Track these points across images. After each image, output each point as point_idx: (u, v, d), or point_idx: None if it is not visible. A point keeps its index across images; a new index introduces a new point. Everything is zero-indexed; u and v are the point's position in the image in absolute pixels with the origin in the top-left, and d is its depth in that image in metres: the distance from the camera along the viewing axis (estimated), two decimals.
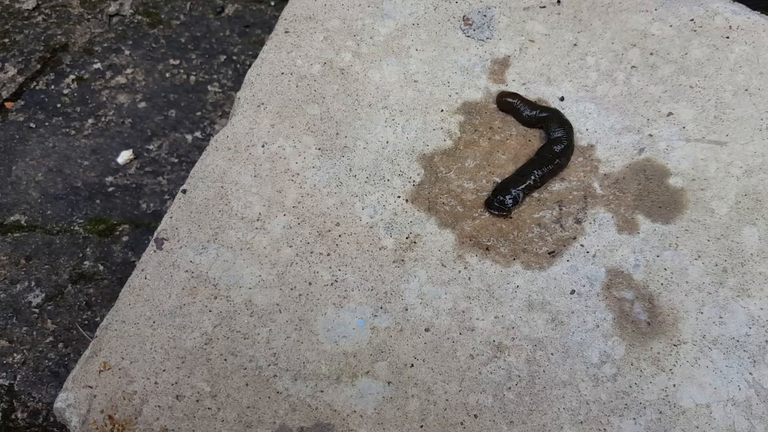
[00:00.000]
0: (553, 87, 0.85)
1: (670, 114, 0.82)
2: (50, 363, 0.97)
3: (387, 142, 0.82)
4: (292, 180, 0.79)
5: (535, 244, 0.76)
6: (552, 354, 0.69)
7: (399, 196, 0.79)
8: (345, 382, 0.68)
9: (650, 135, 0.81)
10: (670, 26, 0.87)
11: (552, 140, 0.80)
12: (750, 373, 0.68)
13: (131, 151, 1.17)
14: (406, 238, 0.76)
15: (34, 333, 0.99)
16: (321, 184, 0.79)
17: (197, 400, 0.67)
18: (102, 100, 1.23)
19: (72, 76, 1.26)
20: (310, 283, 0.73)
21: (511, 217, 0.77)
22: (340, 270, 0.74)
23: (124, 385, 0.68)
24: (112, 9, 1.36)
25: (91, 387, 0.68)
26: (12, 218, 1.10)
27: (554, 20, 0.89)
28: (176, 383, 0.68)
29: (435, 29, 0.89)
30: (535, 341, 0.70)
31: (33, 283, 1.03)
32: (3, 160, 1.15)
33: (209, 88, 1.26)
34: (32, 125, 1.20)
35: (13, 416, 0.94)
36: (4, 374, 0.96)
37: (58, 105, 1.22)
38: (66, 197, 1.12)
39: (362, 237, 0.76)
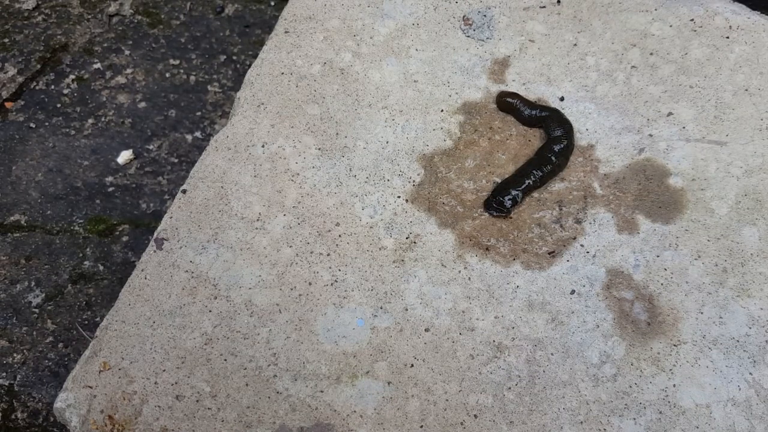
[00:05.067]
0: (553, 87, 0.85)
1: (670, 114, 0.82)
2: (50, 363, 0.97)
3: (387, 142, 0.82)
4: (292, 180, 0.79)
5: (535, 244, 0.76)
6: (552, 354, 0.69)
7: (399, 196, 0.79)
8: (345, 382, 0.68)
9: (650, 135, 0.81)
10: (670, 26, 0.87)
11: (552, 140, 0.80)
12: (750, 373, 0.68)
13: (131, 151, 1.17)
14: (406, 238, 0.76)
15: (34, 333, 0.99)
16: (321, 184, 0.79)
17: (197, 400, 0.67)
18: (102, 100, 1.23)
19: (72, 76, 1.26)
20: (310, 283, 0.73)
21: (511, 218, 0.77)
22: (340, 270, 0.74)
23: (124, 385, 0.68)
24: (112, 9, 1.36)
25: (91, 387, 0.68)
26: (12, 218, 1.10)
27: (554, 20, 0.89)
28: (176, 383, 0.68)
29: (435, 29, 0.89)
30: (535, 341, 0.70)
31: (33, 283, 1.03)
32: (3, 160, 1.15)
33: (209, 88, 1.26)
34: (32, 125, 1.20)
35: (13, 416, 0.94)
36: (4, 374, 0.96)
37: (58, 105, 1.22)
38: (66, 197, 1.12)
39: (362, 237, 0.76)
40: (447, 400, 0.68)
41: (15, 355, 0.98)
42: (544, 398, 0.67)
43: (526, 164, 0.79)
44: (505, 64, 0.87)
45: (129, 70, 1.27)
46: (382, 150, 0.81)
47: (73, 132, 1.19)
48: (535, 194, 0.79)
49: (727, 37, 0.86)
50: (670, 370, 0.68)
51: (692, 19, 0.87)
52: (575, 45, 0.88)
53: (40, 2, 1.36)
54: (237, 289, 0.73)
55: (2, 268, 1.05)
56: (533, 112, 0.82)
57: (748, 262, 0.73)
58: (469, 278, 0.74)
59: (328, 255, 0.75)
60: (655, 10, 0.88)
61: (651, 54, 0.86)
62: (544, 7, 0.90)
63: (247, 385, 0.68)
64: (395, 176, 0.80)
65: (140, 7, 1.36)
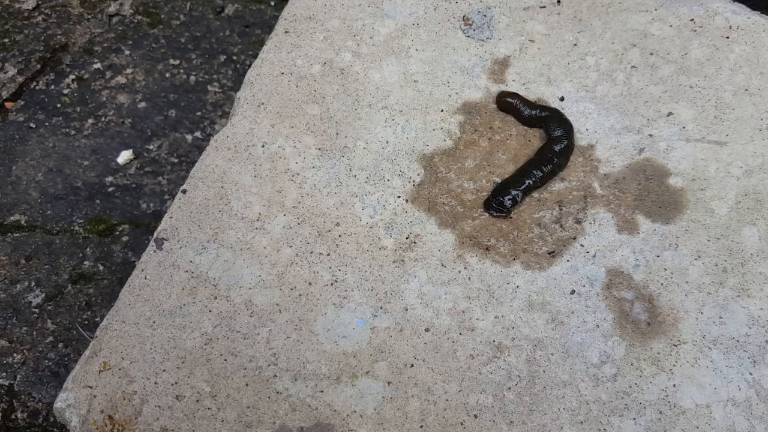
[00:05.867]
0: (553, 87, 0.85)
1: (670, 114, 0.82)
2: (50, 363, 0.97)
3: (387, 142, 0.82)
4: (292, 180, 0.79)
5: (535, 244, 0.76)
6: (552, 354, 0.69)
7: (399, 196, 0.79)
8: (345, 382, 0.68)
9: (650, 135, 0.81)
10: (670, 26, 0.87)
11: (552, 139, 0.80)
12: (750, 373, 0.68)
13: (131, 151, 1.17)
14: (406, 238, 0.76)
15: (34, 333, 0.99)
16: (321, 184, 0.79)
17: (197, 400, 0.67)
18: (102, 100, 1.23)
19: (72, 76, 1.26)
20: (310, 283, 0.73)
21: (511, 218, 0.77)
22: (340, 270, 0.74)
23: (124, 385, 0.68)
24: (112, 9, 1.36)
25: (91, 387, 0.68)
26: (12, 218, 1.10)
27: (554, 20, 0.89)
28: (176, 383, 0.68)
29: (435, 29, 0.89)
30: (535, 341, 0.70)
31: (33, 283, 1.03)
32: (3, 160, 1.15)
33: (209, 88, 1.26)
34: (32, 125, 1.20)
35: (13, 416, 0.94)
36: (4, 374, 0.96)
37: (58, 105, 1.22)
38: (66, 197, 1.12)
39: (362, 237, 0.76)
40: (447, 400, 0.68)
41: (15, 355, 0.98)
42: (544, 398, 0.67)
43: (526, 164, 0.79)
44: (505, 64, 0.87)
45: (129, 70, 1.27)
46: (382, 150, 0.81)
47: (73, 132, 1.19)
48: (535, 194, 0.79)
49: (727, 37, 0.86)
50: (670, 370, 0.68)
51: (692, 19, 0.87)
52: (575, 45, 0.88)
53: (40, 2, 1.36)
54: (237, 289, 0.73)
55: (2, 268, 1.05)
56: (533, 112, 0.82)
57: (748, 262, 0.73)
58: (469, 278, 0.74)
59: (328, 255, 0.75)
60: (655, 10, 0.88)
61: (651, 54, 0.86)
62: (544, 7, 0.90)
63: (247, 385, 0.68)
64: (395, 176, 0.80)
65: (140, 7, 1.36)
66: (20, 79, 1.25)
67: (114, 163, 1.16)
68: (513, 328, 0.71)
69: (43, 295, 1.03)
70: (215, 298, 0.72)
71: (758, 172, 0.78)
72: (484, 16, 0.90)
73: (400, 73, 0.87)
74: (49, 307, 1.02)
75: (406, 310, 0.72)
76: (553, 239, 0.76)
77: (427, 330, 0.71)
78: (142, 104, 1.23)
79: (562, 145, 0.79)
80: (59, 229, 1.09)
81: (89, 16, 1.35)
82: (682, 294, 0.72)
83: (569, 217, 0.77)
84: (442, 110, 0.84)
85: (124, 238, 1.08)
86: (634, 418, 0.66)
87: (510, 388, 0.68)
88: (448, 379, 0.68)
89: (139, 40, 1.31)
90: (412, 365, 0.69)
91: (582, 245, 0.75)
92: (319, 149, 0.81)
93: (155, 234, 0.76)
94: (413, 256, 0.75)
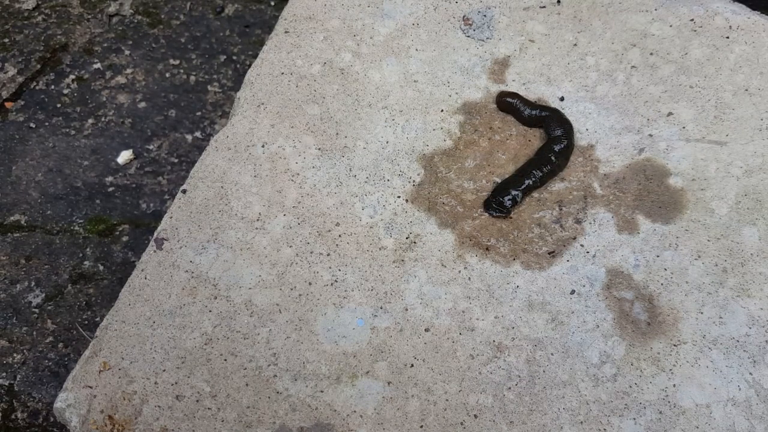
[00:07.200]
0: (553, 87, 0.85)
1: (670, 114, 0.82)
2: (50, 363, 0.97)
3: (387, 142, 0.82)
4: (292, 180, 0.79)
5: (535, 244, 0.76)
6: (552, 354, 0.69)
7: (399, 196, 0.79)
8: (345, 382, 0.68)
9: (650, 135, 0.81)
10: (670, 26, 0.87)
11: (552, 139, 0.80)
12: (750, 373, 0.68)
13: (131, 151, 1.17)
14: (406, 238, 0.76)
15: (34, 333, 0.99)
16: (321, 184, 0.79)
17: (197, 400, 0.67)
18: (102, 100, 1.23)
19: (72, 76, 1.26)
20: (310, 283, 0.73)
21: (511, 218, 0.77)
22: (340, 270, 0.74)
23: (124, 385, 0.68)
24: (112, 9, 1.36)
25: (91, 387, 0.68)
26: (12, 218, 1.10)
27: (554, 20, 0.89)
28: (176, 383, 0.68)
29: (435, 29, 0.89)
30: (535, 341, 0.70)
31: (33, 283, 1.03)
32: (3, 160, 1.15)
33: (209, 88, 1.26)
34: (32, 125, 1.19)
35: (13, 416, 0.94)
36: (4, 374, 0.96)
37: (58, 105, 1.22)
38: (66, 197, 1.12)
39: (362, 237, 0.76)
40: (447, 400, 0.68)
41: (15, 355, 0.98)
42: (544, 398, 0.67)
43: (526, 164, 0.79)
44: (505, 64, 0.87)
45: (129, 70, 1.27)
46: (382, 150, 0.81)
47: (73, 132, 1.19)
48: (535, 194, 0.79)
49: (727, 37, 0.86)
50: (670, 370, 0.68)
51: (692, 19, 0.87)
52: (575, 45, 0.88)
53: (40, 2, 1.36)
54: (237, 289, 0.73)
55: (2, 268, 1.05)
56: (533, 112, 0.82)
57: (748, 262, 0.73)
58: (469, 278, 0.74)
59: (328, 255, 0.75)
60: (655, 10, 0.88)
61: (651, 54, 0.86)
62: (544, 7, 0.90)
63: (247, 385, 0.68)
64: (395, 176, 0.80)
65: (140, 7, 1.36)
66: (20, 79, 1.25)
67: (114, 163, 1.16)
68: (513, 328, 0.71)
69: (43, 295, 1.03)
70: (215, 298, 0.72)
71: (758, 172, 0.78)
72: (484, 16, 0.90)
73: (400, 73, 0.87)
74: (49, 307, 1.02)
75: (406, 310, 0.72)
76: (553, 239, 0.76)
77: (427, 330, 0.71)
78: (142, 104, 1.23)
79: (562, 145, 0.79)
80: (59, 229, 1.09)
81: (89, 16, 1.35)
82: (682, 294, 0.72)
83: (569, 217, 0.77)
84: (442, 110, 0.84)
85: (124, 238, 1.08)
86: (634, 418, 0.66)
87: (510, 388, 0.68)
88: (448, 379, 0.68)
89: (139, 40, 1.31)
90: (412, 365, 0.69)
91: (582, 245, 0.75)
92: (319, 149, 0.81)
93: (155, 234, 0.76)
94: (413, 256, 0.75)
